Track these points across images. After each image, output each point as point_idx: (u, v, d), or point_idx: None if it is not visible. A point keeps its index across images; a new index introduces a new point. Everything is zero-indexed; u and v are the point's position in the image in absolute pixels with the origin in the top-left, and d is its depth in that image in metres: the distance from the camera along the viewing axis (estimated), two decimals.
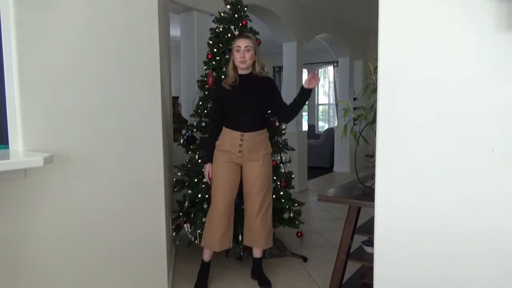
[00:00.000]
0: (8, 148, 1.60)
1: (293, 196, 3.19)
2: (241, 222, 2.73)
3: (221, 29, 3.05)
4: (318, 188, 6.05)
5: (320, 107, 9.72)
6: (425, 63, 1.32)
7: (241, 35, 2.54)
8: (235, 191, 2.58)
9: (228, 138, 2.50)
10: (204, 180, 2.89)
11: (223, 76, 2.77)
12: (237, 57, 2.44)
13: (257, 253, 2.69)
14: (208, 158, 2.59)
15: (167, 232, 2.43)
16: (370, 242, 2.19)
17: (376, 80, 1.45)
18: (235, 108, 2.50)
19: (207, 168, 2.60)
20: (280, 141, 3.17)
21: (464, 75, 1.25)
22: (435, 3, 1.28)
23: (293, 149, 3.26)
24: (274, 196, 2.94)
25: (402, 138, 1.37)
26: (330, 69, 9.18)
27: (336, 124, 8.48)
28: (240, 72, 2.51)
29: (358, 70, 7.66)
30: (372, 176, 2.30)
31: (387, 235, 1.44)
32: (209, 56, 3.05)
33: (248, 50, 2.43)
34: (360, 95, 3.18)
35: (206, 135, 3.00)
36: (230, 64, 2.51)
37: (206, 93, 3.04)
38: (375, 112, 1.61)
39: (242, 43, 2.43)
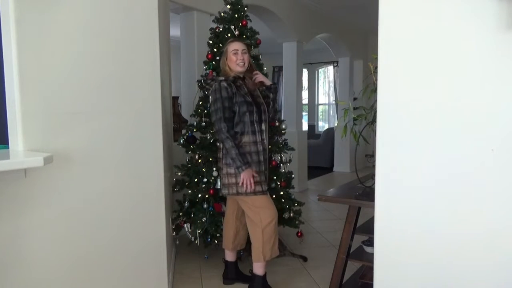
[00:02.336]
0: (8, 148, 1.59)
1: (293, 196, 3.19)
2: None
3: (221, 29, 3.05)
4: (318, 188, 6.05)
5: (320, 107, 9.72)
6: (425, 63, 1.32)
7: (233, 40, 2.51)
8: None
9: None
10: (205, 180, 2.90)
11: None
12: (234, 59, 2.42)
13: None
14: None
15: (167, 232, 2.43)
16: (370, 242, 2.19)
17: (376, 80, 1.45)
18: None
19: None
20: (280, 141, 3.18)
21: (464, 75, 1.25)
22: (435, 3, 1.28)
23: (293, 149, 3.26)
24: (274, 196, 2.94)
25: (402, 138, 1.37)
26: (330, 69, 9.18)
27: (336, 124, 8.48)
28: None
29: (358, 70, 7.66)
30: (372, 176, 2.30)
31: (387, 235, 1.44)
32: (209, 56, 3.05)
33: (245, 53, 2.45)
34: (360, 95, 3.18)
35: (207, 135, 3.00)
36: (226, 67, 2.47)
37: (206, 93, 3.03)
38: (375, 112, 1.61)
39: (239, 46, 2.43)
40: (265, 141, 2.48)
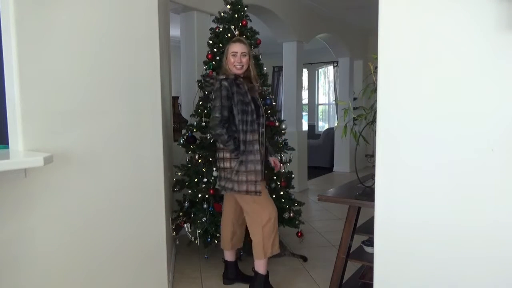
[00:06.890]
0: (8, 148, 1.59)
1: (293, 196, 3.20)
2: None
3: (221, 29, 3.05)
4: (318, 188, 6.05)
5: (320, 107, 9.72)
6: (425, 63, 1.32)
7: (236, 40, 2.49)
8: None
9: None
10: (204, 180, 2.90)
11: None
12: (232, 61, 2.41)
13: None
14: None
15: (167, 232, 2.43)
16: (370, 242, 2.19)
17: (376, 80, 1.45)
18: None
19: None
20: (280, 141, 3.18)
21: (464, 75, 1.25)
22: (435, 3, 1.28)
23: (293, 149, 3.26)
24: (274, 196, 2.94)
25: (402, 138, 1.37)
26: (330, 69, 9.18)
27: (336, 124, 8.48)
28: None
29: (358, 70, 7.66)
30: (372, 176, 2.30)
31: (387, 235, 1.44)
32: (209, 56, 3.05)
33: (244, 56, 2.43)
34: (360, 95, 3.18)
35: (207, 135, 3.01)
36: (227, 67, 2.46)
37: (206, 93, 3.04)
38: (375, 112, 1.61)
39: (238, 49, 2.41)
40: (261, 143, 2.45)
